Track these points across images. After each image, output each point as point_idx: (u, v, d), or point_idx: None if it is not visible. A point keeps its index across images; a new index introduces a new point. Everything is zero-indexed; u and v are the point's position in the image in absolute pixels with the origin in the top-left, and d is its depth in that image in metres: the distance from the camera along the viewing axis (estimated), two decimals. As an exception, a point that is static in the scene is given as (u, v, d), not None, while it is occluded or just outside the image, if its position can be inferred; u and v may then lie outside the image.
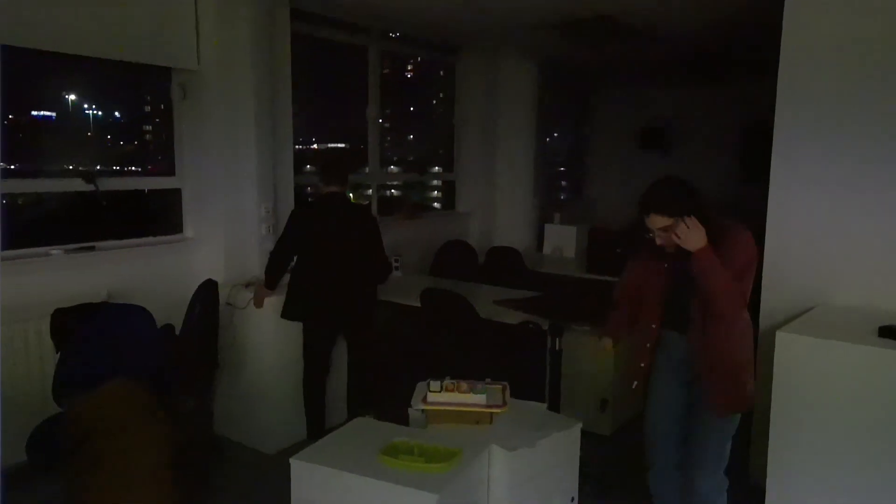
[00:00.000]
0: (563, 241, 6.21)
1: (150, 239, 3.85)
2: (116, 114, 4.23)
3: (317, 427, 3.57)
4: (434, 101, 6.45)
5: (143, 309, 2.94)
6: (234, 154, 3.84)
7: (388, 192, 6.33)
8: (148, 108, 4.34)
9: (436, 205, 6.71)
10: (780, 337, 2.58)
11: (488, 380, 2.61)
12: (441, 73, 6.24)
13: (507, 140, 6.30)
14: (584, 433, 2.52)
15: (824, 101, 3.15)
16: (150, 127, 4.36)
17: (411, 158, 6.65)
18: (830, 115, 3.14)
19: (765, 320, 3.30)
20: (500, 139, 6.30)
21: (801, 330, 2.65)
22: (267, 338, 3.58)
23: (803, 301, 3.14)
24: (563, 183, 8.78)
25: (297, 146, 4.44)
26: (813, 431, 2.55)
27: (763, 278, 3.42)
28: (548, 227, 6.36)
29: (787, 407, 2.60)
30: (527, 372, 3.55)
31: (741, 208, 4.80)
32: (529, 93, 6.26)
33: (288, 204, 4.20)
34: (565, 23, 4.60)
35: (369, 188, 5.52)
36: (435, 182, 6.79)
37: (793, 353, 2.56)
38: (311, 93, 5.17)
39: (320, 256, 3.51)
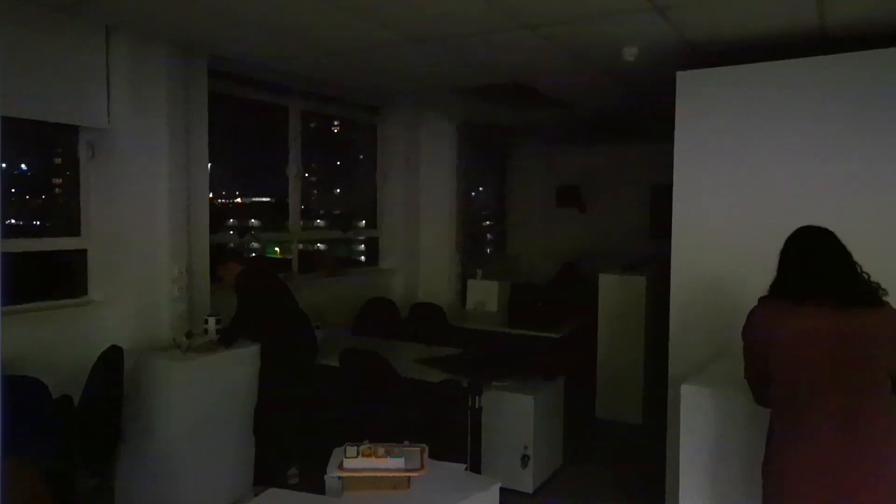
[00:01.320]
0: (485, 296, 6.30)
1: (52, 302, 3.63)
2: (23, 166, 4.04)
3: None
4: (360, 157, 6.51)
5: (37, 380, 2.75)
6: (146, 213, 3.73)
7: (316, 246, 6.29)
8: (58, 161, 4.16)
9: (362, 258, 6.69)
10: (685, 390, 2.68)
11: (407, 442, 2.58)
12: (364, 130, 6.33)
13: (429, 197, 6.41)
14: (506, 491, 2.52)
15: (716, 163, 3.42)
16: (58, 182, 4.18)
17: (338, 212, 6.66)
18: (723, 176, 3.41)
19: (674, 373, 3.45)
20: (422, 196, 6.41)
21: (706, 382, 2.76)
22: (179, 404, 3.41)
23: (710, 352, 3.30)
24: (487, 238, 8.97)
25: (220, 200, 4.36)
26: (723, 486, 2.57)
27: (671, 331, 3.59)
28: (471, 282, 6.45)
29: (696, 461, 2.66)
30: (449, 430, 3.53)
31: (653, 262, 5.06)
32: (449, 151, 6.43)
33: (203, 263, 4.09)
34: (482, 87, 4.81)
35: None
36: (361, 237, 6.80)
37: (698, 406, 2.65)
38: (235, 147, 5.14)
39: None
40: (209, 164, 4.22)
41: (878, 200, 3.03)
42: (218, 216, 4.52)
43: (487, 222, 8.92)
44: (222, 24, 3.39)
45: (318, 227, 6.32)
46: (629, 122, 6.38)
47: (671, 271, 3.58)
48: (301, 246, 5.81)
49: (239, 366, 3.67)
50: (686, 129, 3.49)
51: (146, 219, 3.73)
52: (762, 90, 3.30)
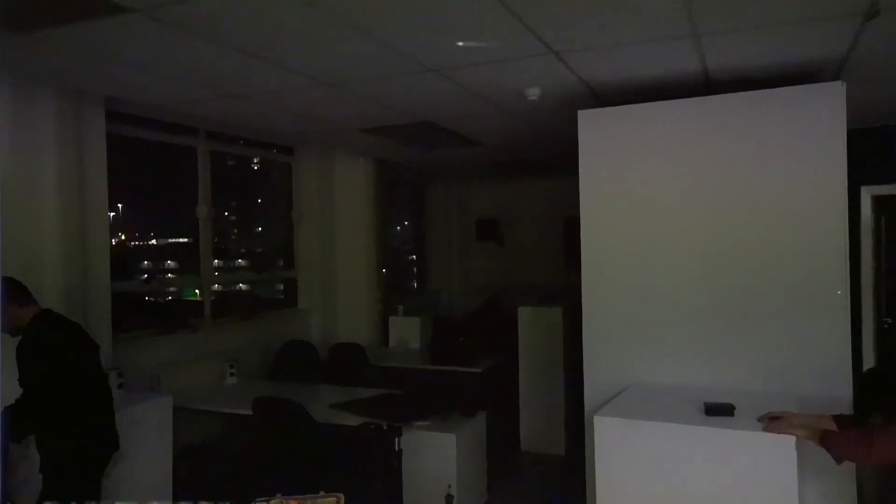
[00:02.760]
0: (407, 333, 6.27)
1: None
2: None
3: None
4: (278, 195, 6.40)
5: None
6: (35, 264, 3.50)
7: (238, 286, 6.08)
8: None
9: (282, 296, 6.53)
10: (598, 420, 2.73)
11: (322, 492, 2.49)
12: (280, 168, 6.23)
13: (346, 235, 6.35)
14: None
15: (618, 195, 3.57)
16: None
17: (260, 250, 6.50)
18: (625, 207, 3.56)
19: (588, 403, 3.52)
20: (339, 234, 6.35)
21: (617, 412, 2.83)
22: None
23: (622, 382, 3.40)
24: (408, 274, 8.96)
25: (131, 243, 4.16)
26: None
27: (584, 360, 3.68)
28: (392, 319, 6.40)
29: (609, 490, 2.70)
30: (369, 476, 3.44)
31: (569, 291, 5.15)
32: (366, 188, 6.42)
33: (103, 316, 3.86)
34: (393, 127, 4.85)
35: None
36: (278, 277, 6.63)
37: (611, 436, 2.71)
38: (150, 188, 4.94)
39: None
40: (119, 207, 4.03)
41: (759, 224, 3.24)
42: (132, 259, 4.30)
43: (411, 257, 8.94)
44: (114, 69, 3.28)
45: (236, 268, 6.14)
46: (540, 157, 6.58)
47: (582, 301, 3.68)
48: (220, 287, 5.62)
49: (146, 425, 3.47)
50: (589, 164, 3.63)
51: (35, 270, 3.49)
52: (656, 127, 3.50)
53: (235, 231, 6.76)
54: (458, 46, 2.99)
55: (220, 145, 5.23)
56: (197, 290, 5.52)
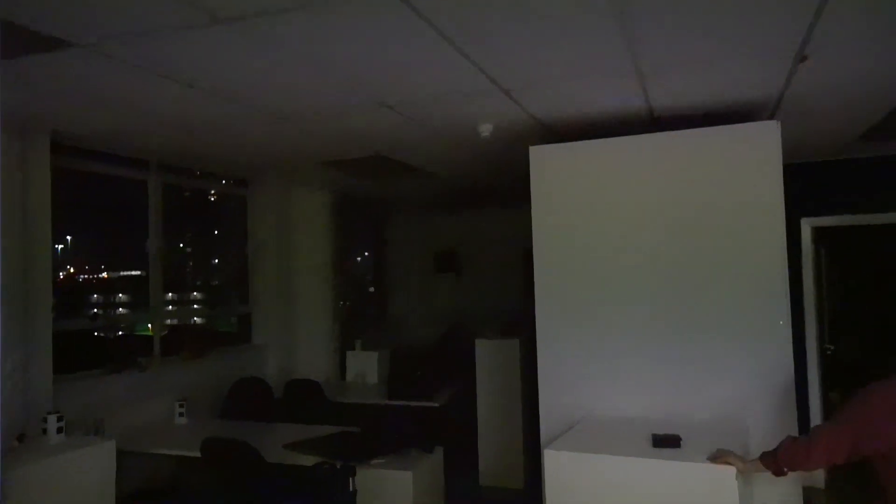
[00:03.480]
0: (365, 367, 6.19)
1: None
2: None
3: None
4: (234, 228, 6.31)
5: None
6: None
7: (193, 320, 5.94)
8: None
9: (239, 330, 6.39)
10: (548, 454, 2.74)
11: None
12: (237, 201, 6.16)
13: (304, 268, 6.29)
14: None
15: (570, 228, 3.64)
16: None
17: (216, 282, 6.37)
18: (577, 239, 3.63)
19: (544, 436, 3.52)
20: (297, 267, 6.27)
21: (569, 445, 2.84)
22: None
23: (576, 413, 3.42)
24: (367, 307, 8.90)
25: (81, 276, 4.02)
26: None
27: (540, 392, 3.69)
28: (350, 353, 6.32)
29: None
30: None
31: (529, 323, 5.17)
32: (324, 221, 6.39)
33: (44, 354, 3.72)
34: (349, 160, 4.86)
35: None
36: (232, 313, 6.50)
37: (562, 470, 2.71)
38: (100, 220, 4.82)
39: None
40: (69, 239, 3.91)
41: (703, 257, 3.35)
42: (81, 293, 4.16)
43: (371, 288, 8.89)
44: (60, 103, 3.22)
45: (191, 301, 6.01)
46: (498, 188, 6.67)
47: (537, 334, 3.71)
48: (174, 321, 5.48)
49: (87, 472, 3.32)
50: (541, 198, 3.71)
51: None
52: (604, 162, 3.60)
53: (191, 263, 6.64)
54: (409, 82, 3.04)
55: (172, 178, 5.15)
56: (150, 325, 5.38)
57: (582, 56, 2.73)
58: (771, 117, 3.69)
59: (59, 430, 3.36)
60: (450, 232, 8.68)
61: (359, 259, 8.82)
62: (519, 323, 5.91)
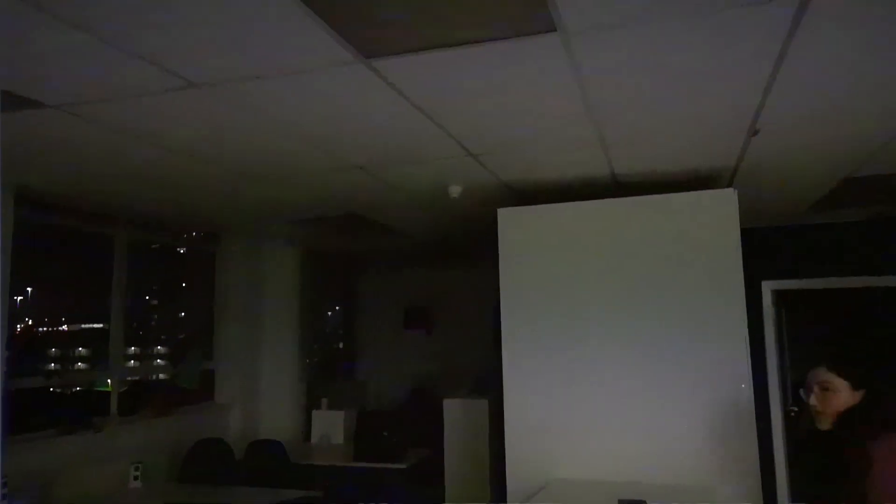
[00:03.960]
0: (331, 427, 6.04)
1: None
2: None
3: None
4: (200, 283, 6.23)
5: None
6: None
7: (157, 376, 5.77)
8: None
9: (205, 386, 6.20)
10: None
11: None
12: (203, 256, 6.10)
13: (271, 325, 6.20)
14: None
15: (537, 287, 3.69)
16: None
17: (182, 336, 6.23)
18: (544, 299, 3.67)
19: (511, 499, 3.47)
20: (264, 324, 6.19)
21: (536, 510, 2.81)
22: None
23: (543, 476, 3.38)
24: (335, 364, 8.77)
25: (39, 328, 3.91)
26: None
27: (507, 453, 3.65)
28: (315, 413, 6.17)
29: None
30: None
31: (499, 381, 5.13)
32: (293, 277, 6.35)
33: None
34: (321, 218, 4.89)
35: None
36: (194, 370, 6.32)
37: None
38: (63, 272, 4.72)
39: None
40: (29, 291, 3.81)
41: (667, 320, 3.41)
42: (40, 345, 4.01)
43: (340, 344, 8.77)
44: (29, 161, 3.20)
45: (154, 355, 5.86)
46: (469, 246, 6.74)
47: (503, 391, 3.71)
48: (136, 376, 5.32)
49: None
50: (508, 260, 3.76)
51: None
52: (570, 225, 3.69)
53: (157, 316, 6.50)
54: (381, 147, 3.11)
55: (140, 233, 5.10)
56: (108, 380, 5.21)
57: (547, 126, 2.83)
58: (729, 184, 3.85)
59: (3, 497, 3.20)
60: (421, 288, 8.67)
61: (329, 313, 8.75)
62: (489, 381, 5.88)
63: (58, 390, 5.07)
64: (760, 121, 2.78)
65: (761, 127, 2.85)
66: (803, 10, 1.81)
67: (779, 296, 5.41)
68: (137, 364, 5.80)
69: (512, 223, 3.78)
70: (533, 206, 3.79)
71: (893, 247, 5.18)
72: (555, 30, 1.93)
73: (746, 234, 3.44)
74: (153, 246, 5.68)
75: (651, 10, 1.81)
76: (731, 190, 3.44)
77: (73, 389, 5.30)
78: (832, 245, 5.28)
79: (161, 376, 6.01)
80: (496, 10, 1.81)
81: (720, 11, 1.82)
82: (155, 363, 5.95)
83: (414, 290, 8.70)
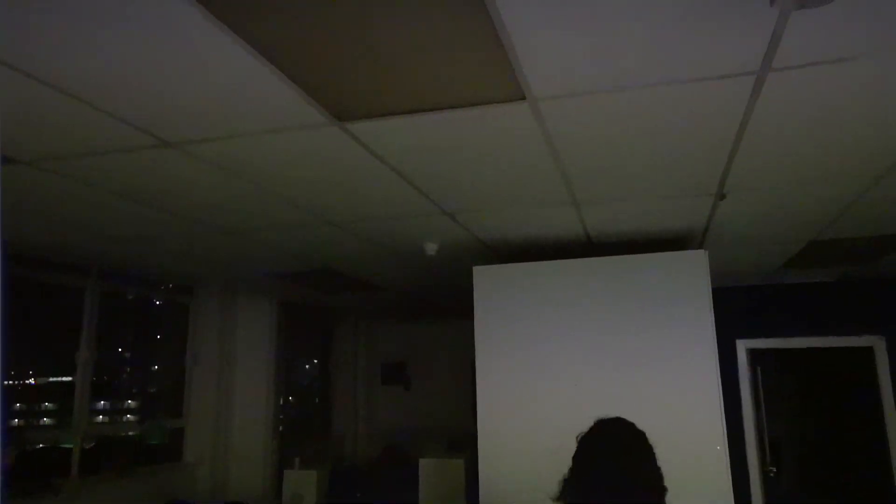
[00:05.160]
0: (303, 487, 5.85)
1: None
2: None
3: None
4: (174, 337, 6.11)
5: None
6: None
7: (127, 433, 5.58)
8: None
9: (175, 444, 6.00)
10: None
11: None
12: (176, 309, 6.01)
13: (244, 381, 6.08)
14: None
15: (512, 344, 3.67)
16: None
17: (153, 390, 6.06)
18: (519, 355, 3.65)
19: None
20: (237, 380, 6.06)
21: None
22: None
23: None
24: (310, 420, 8.57)
25: (6, 382, 3.78)
26: None
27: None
28: (287, 472, 5.99)
29: None
30: None
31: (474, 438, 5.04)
32: (268, 331, 6.27)
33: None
34: (296, 273, 4.87)
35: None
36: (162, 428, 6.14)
37: None
38: (31, 324, 4.61)
39: None
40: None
41: (640, 380, 3.41)
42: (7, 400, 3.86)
43: (315, 400, 8.59)
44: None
45: (124, 410, 5.69)
46: (446, 301, 6.73)
47: (478, 449, 3.64)
48: (103, 434, 5.15)
49: None
50: (484, 317, 3.76)
51: None
52: (545, 283, 3.71)
53: (128, 370, 6.34)
54: (356, 204, 3.13)
55: (112, 285, 5.03)
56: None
57: (520, 187, 2.88)
58: (701, 245, 3.91)
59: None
60: (399, 343, 8.60)
61: (306, 366, 8.60)
62: (468, 438, 5.77)
63: (20, 448, 4.88)
64: (727, 185, 2.86)
65: (728, 192, 2.93)
66: (760, 84, 1.89)
67: (754, 354, 5.44)
68: (106, 420, 5.63)
69: (487, 280, 3.80)
70: (508, 264, 3.81)
71: (859, 308, 5.27)
72: (523, 98, 1.99)
73: (721, 293, 3.48)
74: (128, 296, 5.59)
75: (616, 79, 1.87)
76: (702, 251, 3.50)
77: (36, 447, 5.11)
78: (803, 305, 5.36)
79: (130, 433, 5.82)
80: (465, 79, 1.86)
81: (682, 83, 1.89)
82: (124, 419, 5.77)
83: (392, 344, 8.62)
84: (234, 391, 6.04)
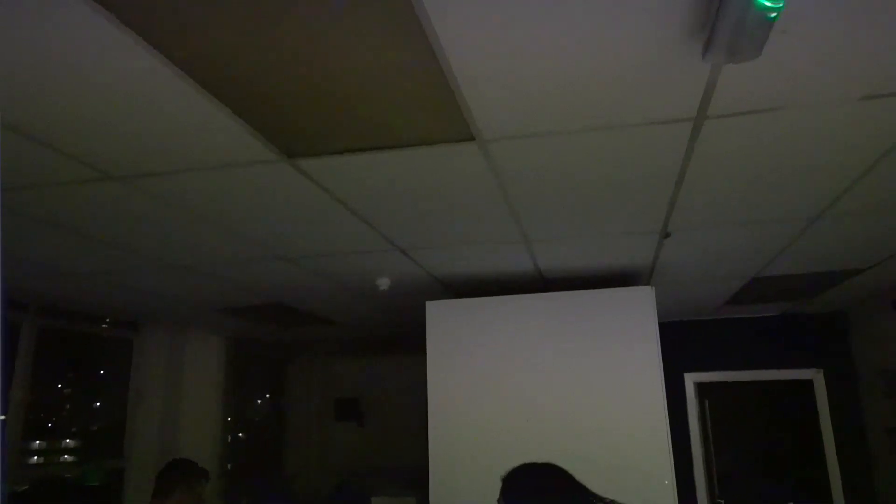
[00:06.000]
0: (250, 530, 5.66)
1: None
2: None
3: None
4: (118, 373, 5.87)
5: None
6: None
7: (63, 475, 5.28)
8: None
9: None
10: None
11: None
12: (120, 345, 5.80)
13: (191, 420, 5.87)
14: None
15: (464, 379, 3.67)
16: None
17: (96, 427, 5.78)
18: (471, 390, 3.64)
19: None
20: (183, 419, 5.85)
21: None
22: None
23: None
24: (259, 459, 8.31)
25: None
26: None
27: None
28: (234, 514, 5.79)
29: None
30: None
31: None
32: (216, 368, 6.11)
33: None
34: (247, 307, 4.77)
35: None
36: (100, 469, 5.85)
37: None
38: None
39: None
40: None
41: (590, 414, 3.45)
42: None
43: (267, 436, 8.34)
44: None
45: (62, 450, 5.41)
46: (400, 336, 6.68)
47: (430, 487, 3.59)
48: (38, 476, 4.87)
49: None
50: (436, 352, 3.76)
51: None
52: (497, 318, 3.74)
53: (68, 407, 6.05)
54: (308, 239, 3.11)
55: (51, 321, 4.83)
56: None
57: (472, 223, 2.92)
58: (648, 281, 4.01)
59: None
60: (353, 378, 8.46)
61: (256, 407, 8.36)
62: (421, 476, 5.68)
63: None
64: (671, 225, 2.95)
65: (672, 231, 3.03)
66: (698, 129, 1.98)
67: (701, 388, 5.56)
68: (41, 461, 5.34)
69: (440, 315, 3.80)
70: (461, 299, 3.83)
71: (800, 342, 5.47)
72: (472, 139, 2.03)
73: (669, 328, 3.57)
74: (69, 332, 5.38)
75: (563, 123, 1.93)
76: (648, 287, 3.59)
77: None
78: (748, 339, 5.52)
79: (67, 475, 5.53)
80: (415, 119, 1.89)
81: (625, 128, 1.97)
82: (61, 459, 5.48)
83: (346, 380, 8.47)
84: (180, 429, 5.82)
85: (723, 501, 5.55)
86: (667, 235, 3.10)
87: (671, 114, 1.87)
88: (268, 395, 8.49)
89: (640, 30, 1.46)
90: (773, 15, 1.24)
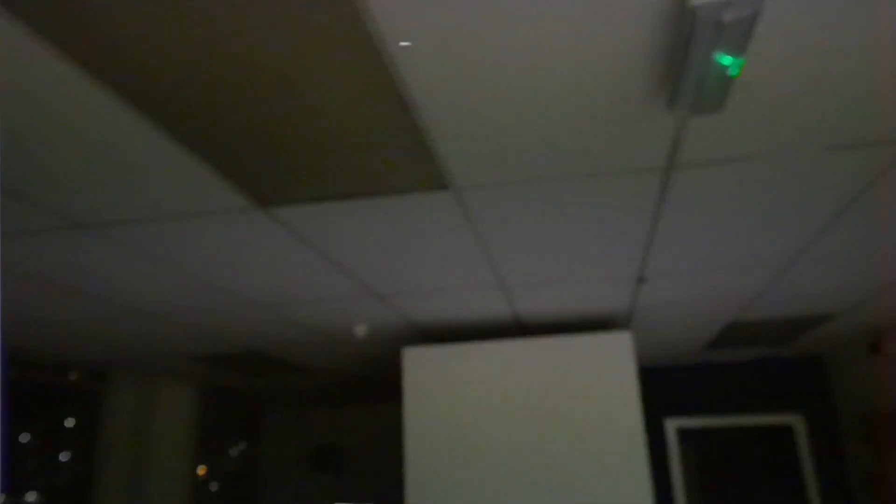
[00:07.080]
0: (220, 589, 5.42)
1: None
2: None
3: None
4: (87, 424, 5.67)
5: None
6: None
7: None
8: None
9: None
10: None
11: None
12: (89, 395, 5.62)
13: (160, 471, 5.67)
14: None
15: (442, 423, 3.59)
16: None
17: (60, 482, 5.53)
18: (448, 434, 3.56)
19: None
20: (152, 470, 5.65)
21: None
22: None
23: None
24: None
25: None
26: None
27: None
28: (203, 572, 5.54)
29: None
30: None
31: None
32: (188, 418, 5.94)
33: None
34: (219, 356, 4.67)
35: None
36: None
37: None
38: None
39: None
40: None
41: (570, 458, 3.38)
42: None
43: (241, 487, 8.07)
44: None
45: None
46: (378, 384, 6.57)
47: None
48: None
49: None
50: (413, 398, 3.69)
51: None
52: (475, 364, 3.69)
53: (35, 459, 5.82)
54: (282, 287, 3.07)
55: (18, 370, 4.68)
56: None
57: (448, 271, 2.90)
58: (626, 326, 4.01)
59: None
60: (329, 426, 8.29)
61: (231, 453, 8.11)
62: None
63: None
64: (646, 271, 2.97)
65: (648, 277, 3.04)
66: (667, 178, 2.00)
67: (683, 433, 5.51)
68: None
69: (417, 362, 3.75)
70: (438, 346, 3.79)
71: (779, 387, 5.47)
72: (446, 188, 2.03)
73: (649, 373, 3.55)
74: (35, 383, 5.21)
75: (536, 171, 1.95)
76: (626, 333, 3.58)
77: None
78: (728, 384, 5.51)
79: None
80: (388, 169, 1.89)
81: (592, 177, 1.99)
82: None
83: (324, 427, 8.29)
84: (150, 482, 5.61)
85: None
86: (643, 281, 3.11)
87: (641, 163, 1.90)
88: (241, 446, 8.25)
89: (609, 83, 1.49)
90: (735, 71, 1.27)
